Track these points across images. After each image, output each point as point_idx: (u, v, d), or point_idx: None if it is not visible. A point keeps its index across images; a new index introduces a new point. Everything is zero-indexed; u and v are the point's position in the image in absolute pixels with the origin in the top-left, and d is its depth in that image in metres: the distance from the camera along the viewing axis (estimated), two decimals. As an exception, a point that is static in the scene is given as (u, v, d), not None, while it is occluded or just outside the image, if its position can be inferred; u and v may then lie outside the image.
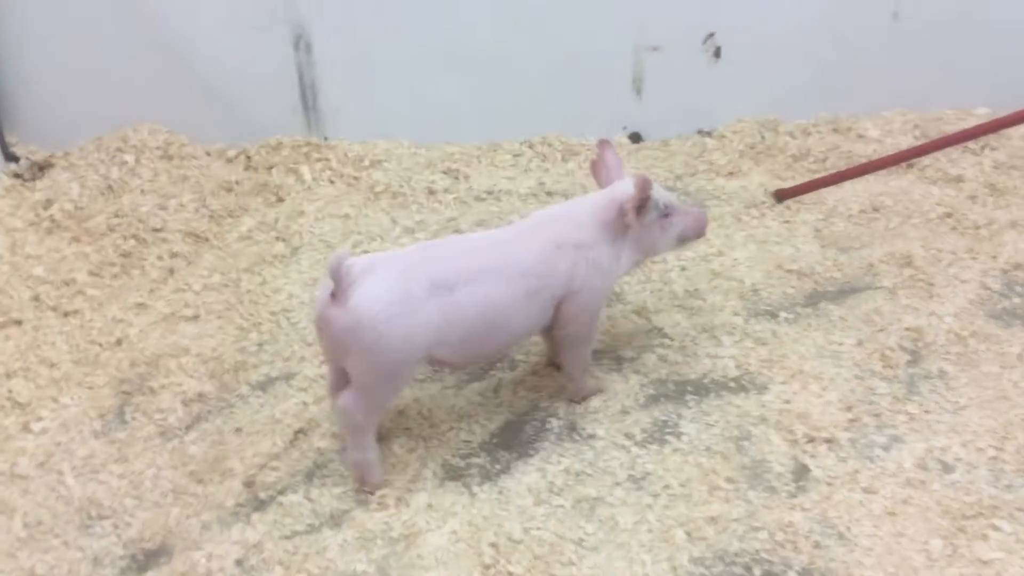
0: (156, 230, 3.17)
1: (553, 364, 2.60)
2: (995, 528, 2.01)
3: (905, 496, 2.12)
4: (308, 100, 3.61)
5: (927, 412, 2.36)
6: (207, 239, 3.20)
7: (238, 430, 2.41)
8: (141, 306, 2.88)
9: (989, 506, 2.07)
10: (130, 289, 2.95)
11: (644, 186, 2.24)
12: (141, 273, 3.02)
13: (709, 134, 3.74)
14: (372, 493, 2.19)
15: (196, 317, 2.84)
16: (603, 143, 2.49)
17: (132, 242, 3.11)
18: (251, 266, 3.06)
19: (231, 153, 3.62)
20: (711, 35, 3.61)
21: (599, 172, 2.48)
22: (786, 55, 3.64)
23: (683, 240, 2.48)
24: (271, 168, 3.55)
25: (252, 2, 3.44)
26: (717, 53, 3.64)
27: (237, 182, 3.46)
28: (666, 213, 2.37)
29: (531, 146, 3.70)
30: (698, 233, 2.49)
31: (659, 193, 2.36)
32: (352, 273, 2.02)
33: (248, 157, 3.61)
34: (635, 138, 3.75)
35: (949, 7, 3.59)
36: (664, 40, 3.61)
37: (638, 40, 3.60)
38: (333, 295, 2.03)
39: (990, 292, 2.81)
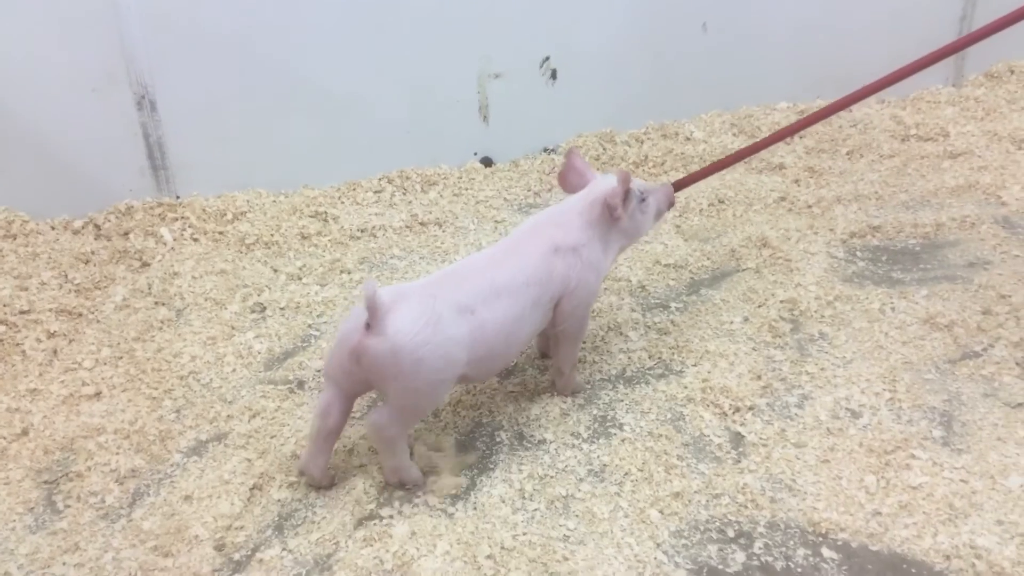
0: (24, 312, 2.97)
1: (543, 354, 2.80)
2: (914, 457, 2.31)
3: (831, 444, 2.38)
4: (156, 160, 3.49)
5: (823, 369, 2.66)
6: (81, 314, 3.03)
7: (187, 497, 2.33)
8: (34, 391, 2.70)
9: (902, 440, 2.37)
10: (16, 376, 2.75)
11: (625, 179, 2.43)
12: (23, 359, 2.82)
13: (554, 151, 3.97)
14: (418, 488, 2.30)
15: (99, 394, 2.70)
16: (572, 151, 2.65)
17: (2, 328, 2.90)
18: (140, 335, 2.94)
19: (77, 224, 3.44)
20: (546, 59, 3.84)
21: (569, 178, 2.63)
22: (614, 72, 3.94)
23: (659, 215, 2.69)
24: (126, 234, 3.40)
25: (89, 64, 3.29)
26: (553, 75, 3.87)
27: (93, 252, 3.30)
28: (643, 197, 2.57)
29: (390, 181, 3.77)
30: (669, 204, 2.71)
31: (635, 182, 2.54)
32: (385, 302, 2.08)
33: (97, 226, 3.44)
34: (487, 162, 3.91)
35: (749, 17, 4.02)
36: (504, 67, 3.80)
37: (481, 70, 3.77)
38: (368, 325, 2.09)
39: (837, 260, 3.19)
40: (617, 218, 2.46)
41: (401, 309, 2.11)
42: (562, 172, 2.66)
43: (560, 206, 2.56)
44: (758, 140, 3.02)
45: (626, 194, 2.46)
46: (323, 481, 2.33)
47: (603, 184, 2.52)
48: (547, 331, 2.54)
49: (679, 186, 2.92)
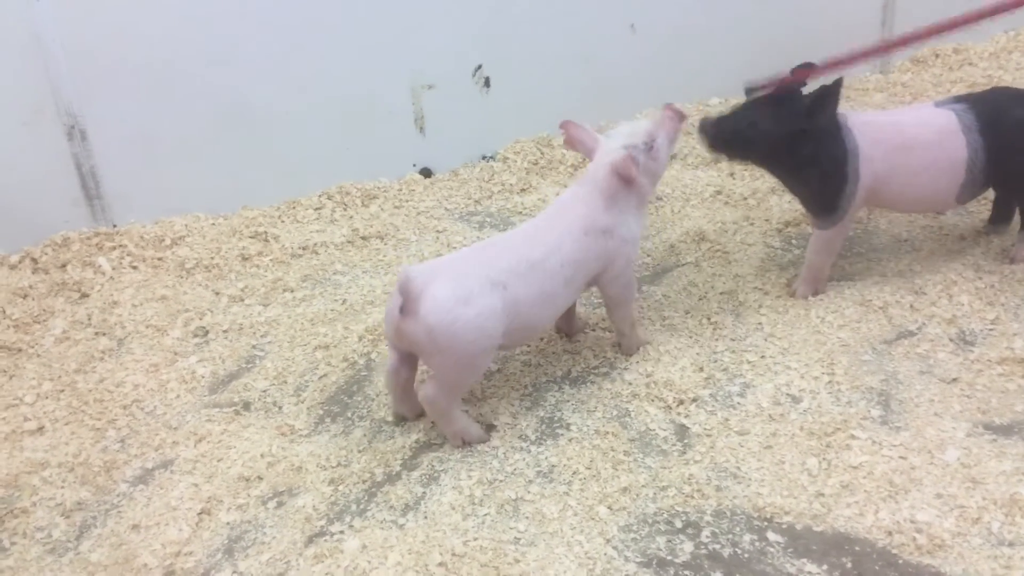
0: (-39, 351, 2.94)
1: (559, 330, 2.89)
2: (853, 438, 2.35)
3: (772, 430, 2.42)
4: (90, 189, 3.46)
5: (763, 358, 2.70)
6: (20, 349, 2.99)
7: (135, 526, 2.31)
8: (-25, 431, 2.67)
9: (841, 421, 2.41)
10: (-45, 417, 2.72)
11: (625, 168, 2.49)
12: (-38, 398, 2.79)
13: (493, 158, 3.99)
14: (483, 443, 2.46)
15: (41, 429, 2.66)
16: (565, 124, 2.69)
17: (-61, 369, 2.86)
18: (81, 366, 2.90)
19: (14, 259, 3.38)
20: (479, 67, 3.86)
21: (576, 148, 2.71)
22: (547, 77, 3.97)
23: (673, 142, 2.72)
24: (64, 266, 3.36)
25: (16, 98, 3.26)
26: (487, 83, 3.89)
27: (31, 287, 3.25)
28: (649, 146, 2.60)
29: (330, 197, 3.76)
30: (680, 122, 2.71)
31: (634, 139, 2.59)
32: (417, 285, 2.23)
33: (34, 260, 3.39)
34: (426, 173, 3.92)
35: (676, 16, 4.08)
36: (437, 78, 3.81)
37: (413, 81, 3.78)
38: (402, 309, 2.24)
39: (774, 250, 3.24)
40: (636, 185, 2.55)
41: (432, 290, 2.25)
42: (566, 143, 2.72)
43: (583, 181, 2.62)
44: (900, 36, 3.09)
45: (630, 177, 2.53)
46: (418, 413, 2.55)
47: (611, 151, 2.56)
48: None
49: (805, 75, 2.82)
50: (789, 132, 2.72)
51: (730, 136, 2.77)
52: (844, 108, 2.76)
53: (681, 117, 2.71)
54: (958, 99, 2.89)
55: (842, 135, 2.75)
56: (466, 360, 2.31)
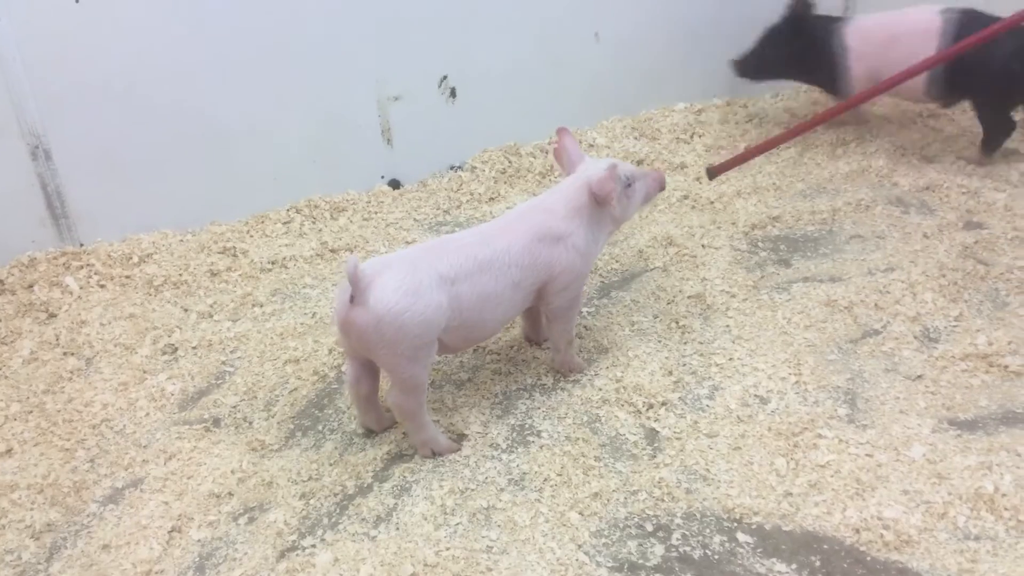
0: (-73, 375, 2.91)
1: (528, 339, 2.92)
2: (820, 436, 2.38)
3: (741, 431, 2.44)
4: (56, 209, 3.43)
5: (731, 360, 2.72)
6: (-13, 371, 2.98)
7: (106, 547, 2.29)
8: (-58, 455, 2.64)
9: (808, 421, 2.44)
10: (-79, 441, 2.69)
11: (610, 176, 2.52)
12: (-73, 422, 2.76)
13: (461, 168, 4.00)
14: (452, 453, 2.47)
15: (10, 451, 2.64)
16: (561, 130, 2.73)
17: (-96, 393, 2.83)
18: (50, 387, 2.88)
19: (-21, 281, 3.37)
20: (444, 78, 3.87)
21: (561, 158, 2.73)
22: (513, 85, 3.99)
23: (647, 200, 2.76)
24: (31, 286, 3.33)
25: (-22, 119, 3.24)
26: (453, 94, 3.91)
27: (-2, 308, 3.24)
28: (629, 183, 2.63)
29: (298, 211, 3.76)
30: (659, 189, 2.77)
31: (622, 168, 2.62)
32: (366, 275, 2.23)
33: (1, 281, 3.36)
34: (395, 184, 3.93)
35: (639, 24, 4.11)
36: (403, 89, 3.82)
37: (379, 93, 3.79)
38: (352, 299, 2.23)
39: (740, 252, 3.27)
40: (608, 206, 2.56)
41: (382, 280, 2.25)
42: (556, 149, 2.75)
43: (551, 191, 2.65)
44: (790, 128, 3.41)
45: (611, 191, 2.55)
46: (384, 425, 2.59)
47: (591, 169, 2.59)
48: (533, 312, 2.77)
49: (716, 172, 3.28)
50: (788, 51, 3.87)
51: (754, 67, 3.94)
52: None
53: (663, 186, 2.79)
54: (962, 11, 3.41)
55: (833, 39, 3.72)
56: (410, 353, 2.30)
